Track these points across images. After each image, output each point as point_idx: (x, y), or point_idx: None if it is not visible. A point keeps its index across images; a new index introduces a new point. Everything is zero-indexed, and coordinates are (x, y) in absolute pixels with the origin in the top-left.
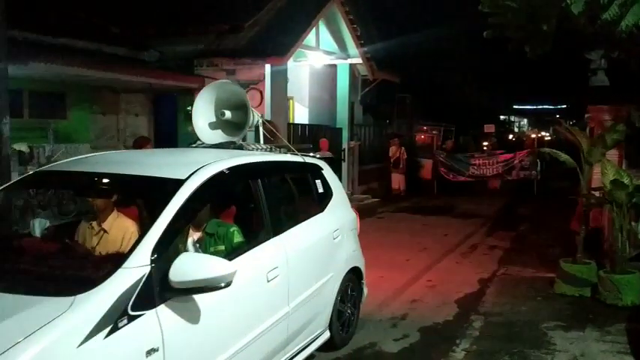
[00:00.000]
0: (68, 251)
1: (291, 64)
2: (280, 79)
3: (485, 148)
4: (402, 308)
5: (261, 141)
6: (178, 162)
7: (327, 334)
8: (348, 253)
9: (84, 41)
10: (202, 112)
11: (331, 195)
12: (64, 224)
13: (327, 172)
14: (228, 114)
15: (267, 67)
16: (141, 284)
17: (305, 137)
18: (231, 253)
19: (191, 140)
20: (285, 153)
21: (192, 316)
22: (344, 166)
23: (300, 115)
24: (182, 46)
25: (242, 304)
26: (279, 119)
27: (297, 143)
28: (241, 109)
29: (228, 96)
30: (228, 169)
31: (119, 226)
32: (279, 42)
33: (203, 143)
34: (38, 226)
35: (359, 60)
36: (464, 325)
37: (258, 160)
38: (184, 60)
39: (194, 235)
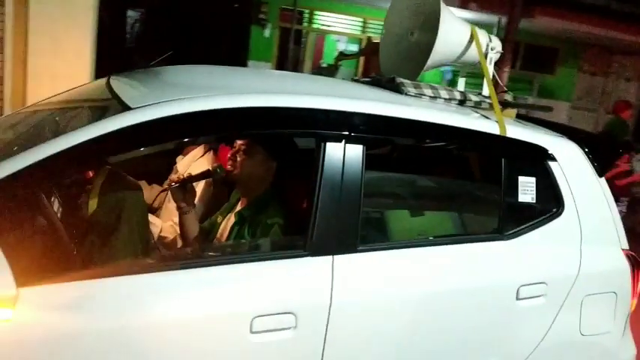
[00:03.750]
0: None
1: None
2: None
3: None
4: None
5: (485, 91)
6: (202, 86)
7: None
8: (558, 336)
9: None
10: (389, 32)
11: (559, 213)
12: None
13: (568, 165)
14: (416, 35)
15: None
16: None
17: None
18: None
19: None
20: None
21: None
22: None
23: None
24: None
25: None
26: None
27: None
28: (433, 29)
29: (422, 8)
30: (247, 109)
31: (188, 165)
32: None
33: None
34: None
35: None
36: None
37: (358, 111)
38: None
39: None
